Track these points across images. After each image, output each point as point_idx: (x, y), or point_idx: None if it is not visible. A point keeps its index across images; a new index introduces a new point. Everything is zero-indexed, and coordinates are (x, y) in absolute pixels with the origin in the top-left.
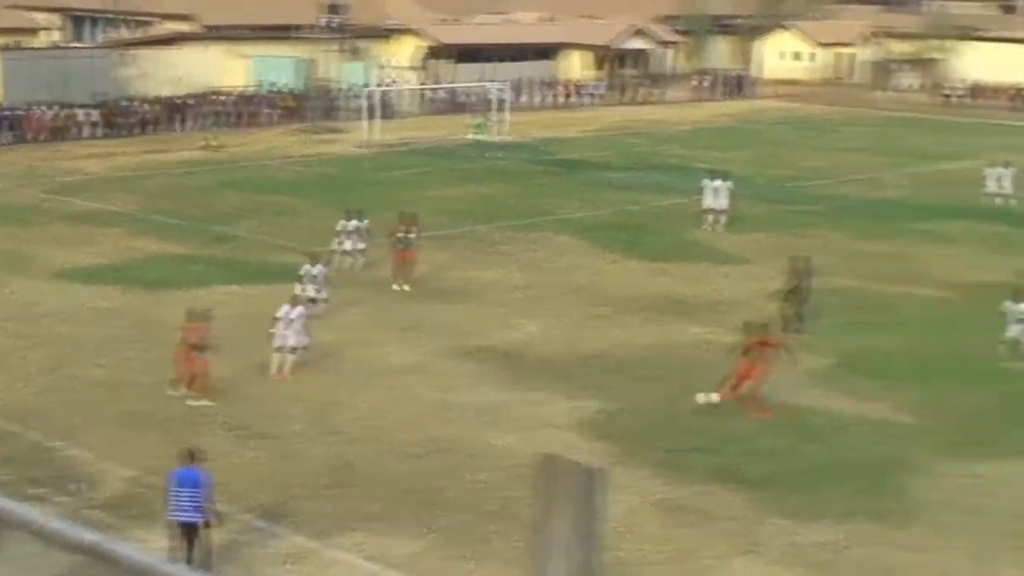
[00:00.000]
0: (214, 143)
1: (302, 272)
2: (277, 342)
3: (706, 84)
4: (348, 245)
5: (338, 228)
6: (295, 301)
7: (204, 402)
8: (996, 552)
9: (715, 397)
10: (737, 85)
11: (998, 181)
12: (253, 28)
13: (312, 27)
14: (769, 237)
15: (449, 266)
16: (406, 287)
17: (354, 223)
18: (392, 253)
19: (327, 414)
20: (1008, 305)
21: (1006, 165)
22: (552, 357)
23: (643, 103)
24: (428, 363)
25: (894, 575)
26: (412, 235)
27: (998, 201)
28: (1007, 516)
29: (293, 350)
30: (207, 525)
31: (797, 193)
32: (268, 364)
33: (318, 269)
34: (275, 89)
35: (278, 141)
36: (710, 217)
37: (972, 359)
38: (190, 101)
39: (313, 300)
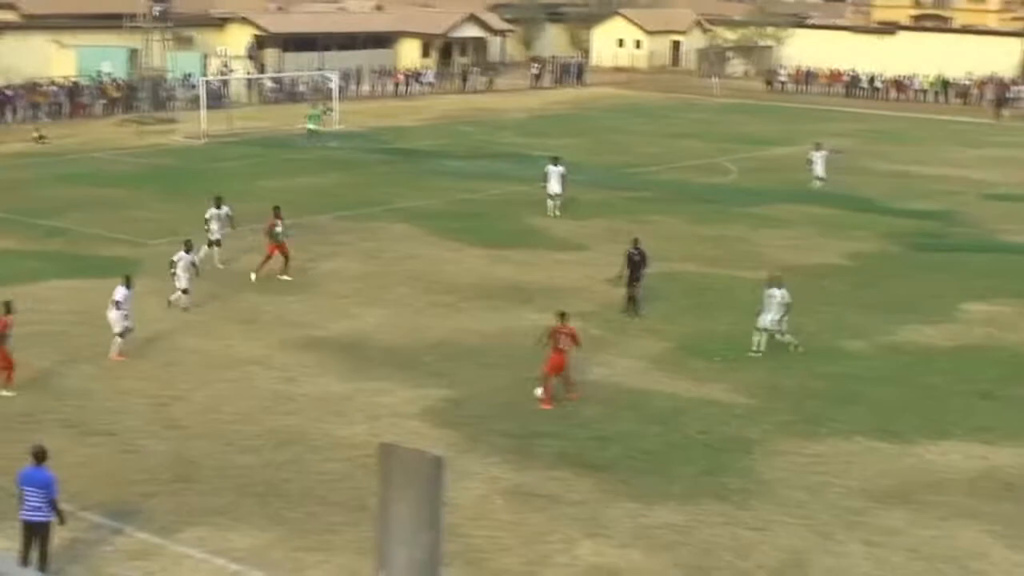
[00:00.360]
0: (38, 135)
1: (175, 257)
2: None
3: (539, 72)
4: (215, 233)
5: (207, 215)
6: (127, 283)
7: (4, 392)
8: (836, 528)
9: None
10: (570, 73)
11: (811, 164)
12: (77, 17)
13: (140, 16)
14: (605, 223)
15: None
16: (286, 277)
17: (212, 210)
18: (268, 246)
19: (167, 408)
20: (769, 291)
21: (817, 147)
22: (394, 346)
23: (478, 91)
24: (269, 355)
25: (740, 554)
26: (279, 228)
27: (815, 184)
28: (845, 492)
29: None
30: (62, 522)
31: (632, 179)
32: (104, 358)
33: (179, 255)
34: (103, 79)
35: (108, 132)
36: (550, 202)
37: (804, 340)
38: (9, 92)
39: (186, 291)
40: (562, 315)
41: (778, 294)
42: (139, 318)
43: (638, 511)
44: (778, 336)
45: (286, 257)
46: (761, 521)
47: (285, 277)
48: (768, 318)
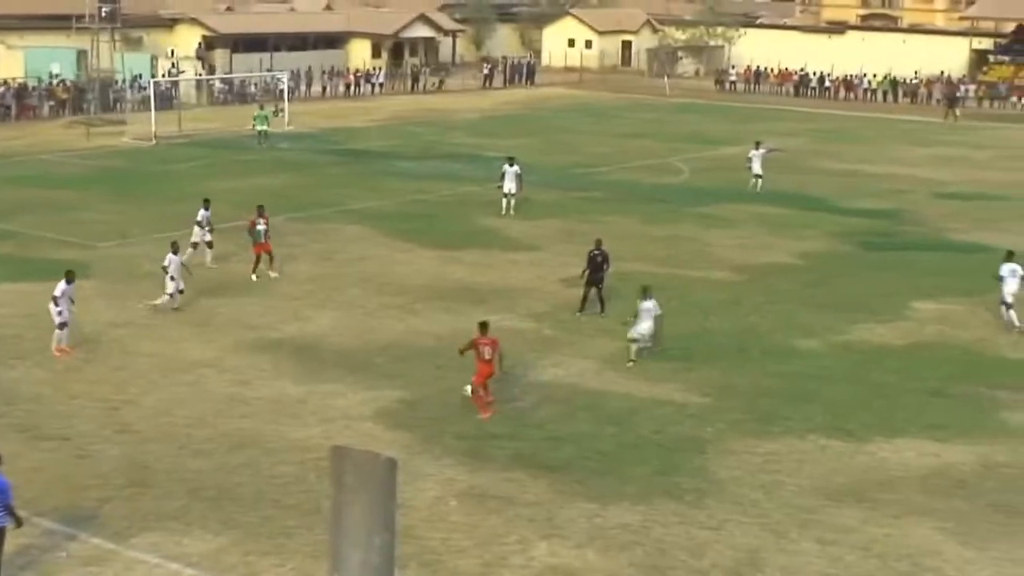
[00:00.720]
0: None
1: (165, 262)
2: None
3: (490, 72)
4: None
5: (198, 218)
6: (68, 279)
7: None
8: (790, 527)
9: (467, 389)
10: (521, 73)
11: (750, 162)
12: (25, 18)
13: (88, 16)
14: (558, 223)
15: (239, 259)
16: (274, 274)
17: (202, 212)
18: (253, 246)
19: (119, 412)
20: (644, 304)
21: (756, 146)
22: (347, 348)
23: (428, 92)
24: (221, 358)
25: (694, 553)
26: (262, 226)
27: (753, 183)
28: (798, 491)
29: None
30: (18, 525)
31: (583, 179)
32: (55, 363)
33: (169, 259)
34: (52, 81)
35: (57, 134)
36: (504, 201)
37: (756, 339)
38: None
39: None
40: (483, 325)
41: (649, 305)
42: (90, 320)
43: (593, 512)
44: (643, 346)
45: (270, 255)
46: (715, 520)
47: (273, 274)
48: (641, 328)
